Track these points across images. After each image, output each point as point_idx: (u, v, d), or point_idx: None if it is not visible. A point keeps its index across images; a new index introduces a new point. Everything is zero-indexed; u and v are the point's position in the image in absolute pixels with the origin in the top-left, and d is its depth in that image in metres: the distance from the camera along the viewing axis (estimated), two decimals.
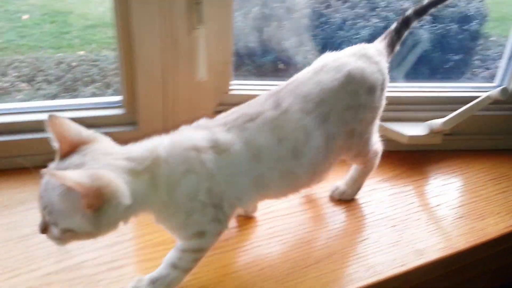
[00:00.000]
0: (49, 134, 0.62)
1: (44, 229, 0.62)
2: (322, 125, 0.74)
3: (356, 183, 0.96)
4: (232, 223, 0.88)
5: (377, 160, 0.93)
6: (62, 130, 0.62)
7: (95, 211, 0.57)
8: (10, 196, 0.93)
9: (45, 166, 0.61)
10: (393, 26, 0.91)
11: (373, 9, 1.62)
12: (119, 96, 1.10)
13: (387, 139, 0.98)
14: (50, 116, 0.61)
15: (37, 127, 0.89)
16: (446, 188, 1.09)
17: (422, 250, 0.88)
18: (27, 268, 0.77)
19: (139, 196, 0.61)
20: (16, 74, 1.63)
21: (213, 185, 0.67)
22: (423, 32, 1.56)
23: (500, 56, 1.30)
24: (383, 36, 0.92)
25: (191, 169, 0.65)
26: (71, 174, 0.55)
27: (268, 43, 1.55)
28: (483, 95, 1.04)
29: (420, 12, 0.90)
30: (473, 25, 1.61)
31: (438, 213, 1.00)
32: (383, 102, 0.86)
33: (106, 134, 0.68)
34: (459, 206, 1.03)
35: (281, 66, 1.61)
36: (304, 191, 0.88)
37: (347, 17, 1.62)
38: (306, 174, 0.76)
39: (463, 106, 1.06)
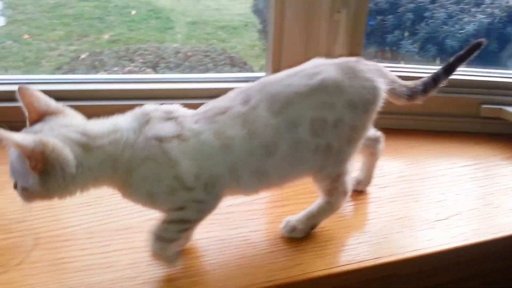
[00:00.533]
0: (19, 103, 0.66)
1: (15, 186, 0.67)
2: (291, 130, 0.71)
3: (312, 219, 0.83)
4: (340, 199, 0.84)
5: (343, 203, 0.83)
6: (31, 100, 0.66)
7: (42, 174, 0.61)
8: None
9: None
10: (425, 78, 0.85)
11: (478, 5, 1.59)
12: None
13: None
14: (20, 88, 0.66)
15: None
16: None
17: None
18: None
19: (90, 171, 0.65)
20: (142, 60, 1.78)
21: (179, 171, 0.67)
22: None
23: None
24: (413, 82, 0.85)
25: (151, 157, 0.66)
26: (17, 136, 0.59)
27: (371, 35, 1.58)
28: None
29: (448, 70, 0.84)
30: None
31: None
32: (368, 125, 0.78)
33: None
34: None
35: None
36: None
37: (452, 12, 1.60)
38: (277, 175, 0.74)
39: None
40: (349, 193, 0.83)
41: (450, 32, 1.56)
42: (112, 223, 0.85)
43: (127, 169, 0.66)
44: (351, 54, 1.14)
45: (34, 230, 0.83)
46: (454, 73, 0.86)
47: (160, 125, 0.68)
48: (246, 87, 0.75)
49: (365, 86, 0.75)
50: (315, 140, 0.73)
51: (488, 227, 0.89)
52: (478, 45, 0.84)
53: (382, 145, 0.92)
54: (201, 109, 0.73)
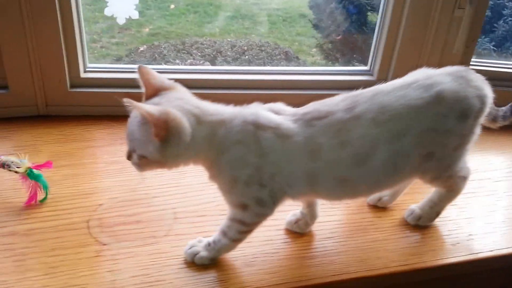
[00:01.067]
0: (138, 80, 0.71)
1: (129, 156, 0.71)
2: (393, 141, 0.69)
3: (435, 208, 0.84)
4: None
5: (464, 185, 0.81)
6: (148, 77, 0.71)
7: (162, 141, 0.64)
8: None
9: None
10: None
11: None
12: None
13: None
14: (139, 66, 0.70)
15: None
16: None
17: None
18: None
19: (196, 142, 0.67)
20: (199, 54, 1.81)
21: (263, 163, 0.68)
22: None
23: None
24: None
25: (244, 140, 0.68)
26: (145, 105, 0.63)
27: None
28: None
29: None
30: None
31: None
32: (477, 131, 0.77)
33: None
34: None
35: None
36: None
37: None
38: (365, 185, 0.73)
39: None
40: (468, 176, 0.81)
41: None
42: None
43: (220, 149, 0.69)
44: (466, 49, 1.15)
45: (170, 205, 0.87)
46: None
47: (261, 113, 0.70)
48: (354, 93, 0.73)
49: (477, 95, 0.73)
50: (418, 150, 0.72)
51: None
52: None
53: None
54: (301, 109, 0.73)
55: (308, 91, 1.21)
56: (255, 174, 0.68)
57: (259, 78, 1.22)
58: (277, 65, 1.82)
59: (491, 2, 1.66)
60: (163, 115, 0.64)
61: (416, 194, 0.93)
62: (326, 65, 1.92)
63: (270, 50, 1.92)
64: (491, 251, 0.80)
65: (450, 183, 0.80)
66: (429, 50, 1.16)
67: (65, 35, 1.07)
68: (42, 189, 0.85)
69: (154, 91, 0.71)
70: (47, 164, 0.86)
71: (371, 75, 1.24)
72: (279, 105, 0.73)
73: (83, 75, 1.14)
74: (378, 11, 1.57)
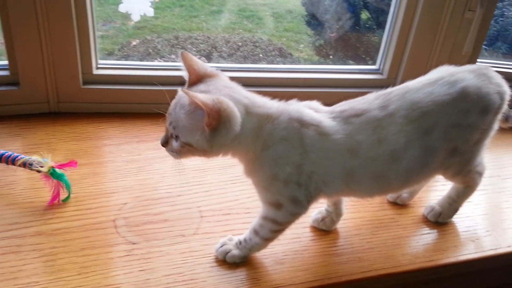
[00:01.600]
0: (181, 66, 0.71)
1: (166, 142, 0.70)
2: (423, 137, 0.72)
3: (454, 204, 0.88)
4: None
5: (480, 181, 0.85)
6: (191, 63, 0.70)
7: (212, 130, 0.64)
8: None
9: None
10: None
11: None
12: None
13: None
14: (182, 52, 0.70)
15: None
16: None
17: None
18: None
19: (244, 133, 0.66)
20: (194, 49, 1.80)
21: (304, 161, 0.69)
22: None
23: None
24: None
25: (288, 137, 0.68)
26: (200, 95, 0.63)
27: None
28: None
29: None
30: None
31: None
32: (496, 126, 0.80)
33: None
34: None
35: None
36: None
37: None
38: (398, 181, 0.75)
39: None
40: (483, 172, 0.85)
41: None
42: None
43: (265, 144, 0.69)
44: (474, 51, 1.18)
45: (195, 204, 0.87)
46: None
47: (303, 110, 0.71)
48: (386, 91, 0.76)
49: (497, 91, 0.77)
50: (444, 145, 0.75)
51: None
52: None
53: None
54: (337, 107, 0.74)
55: (318, 89, 1.22)
56: (294, 173, 0.69)
57: (267, 76, 1.24)
58: (272, 62, 1.83)
59: None
60: (217, 105, 0.63)
61: (431, 192, 0.96)
62: (319, 61, 1.94)
63: (264, 46, 1.93)
64: (509, 246, 0.83)
65: (468, 178, 0.84)
66: (439, 51, 1.19)
67: (79, 30, 1.05)
68: (64, 189, 0.84)
69: (198, 78, 0.70)
70: (71, 163, 0.85)
71: (381, 74, 1.26)
72: (315, 103, 0.74)
73: (95, 71, 1.13)
74: (369, 9, 1.58)
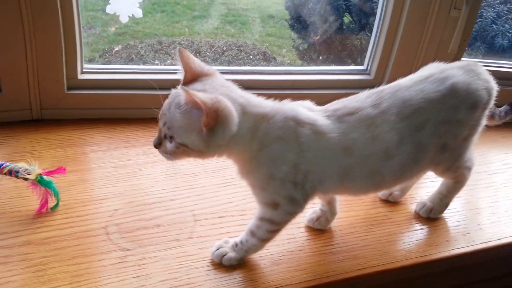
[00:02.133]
0: (178, 63, 0.70)
1: (159, 143, 0.69)
2: (415, 133, 0.73)
3: (445, 200, 0.89)
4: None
5: (469, 176, 0.86)
6: (188, 61, 0.69)
7: (209, 130, 0.63)
8: None
9: None
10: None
11: None
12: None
13: None
14: (180, 49, 0.69)
15: None
16: None
17: None
18: None
19: (240, 133, 0.66)
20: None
21: (300, 160, 0.69)
22: None
23: None
24: None
25: (284, 137, 0.68)
26: (200, 94, 0.61)
27: None
28: None
29: None
30: None
31: None
32: (483, 122, 0.82)
33: None
34: None
35: None
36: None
37: (501, 12, 1.66)
38: (392, 177, 0.76)
39: None
40: (472, 167, 0.86)
41: (500, 31, 1.62)
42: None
43: (261, 143, 0.68)
44: (460, 49, 1.21)
45: (188, 208, 0.86)
46: None
47: (299, 109, 0.71)
48: (378, 89, 0.76)
49: (485, 87, 0.78)
50: (435, 141, 0.76)
51: None
52: None
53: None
54: (330, 106, 0.74)
55: (307, 90, 1.23)
56: (291, 172, 0.69)
57: (255, 78, 1.23)
58: (257, 65, 1.83)
59: None
60: (215, 104, 0.62)
61: (422, 189, 0.98)
62: (302, 65, 1.95)
63: (249, 51, 1.93)
64: (499, 239, 0.85)
65: (458, 173, 0.85)
66: (425, 50, 1.21)
67: (65, 34, 1.02)
68: (53, 196, 0.82)
69: (194, 76, 0.70)
70: (60, 170, 0.83)
71: (368, 74, 1.27)
72: (308, 103, 0.74)
73: (80, 76, 1.10)
74: (352, 13, 1.60)
